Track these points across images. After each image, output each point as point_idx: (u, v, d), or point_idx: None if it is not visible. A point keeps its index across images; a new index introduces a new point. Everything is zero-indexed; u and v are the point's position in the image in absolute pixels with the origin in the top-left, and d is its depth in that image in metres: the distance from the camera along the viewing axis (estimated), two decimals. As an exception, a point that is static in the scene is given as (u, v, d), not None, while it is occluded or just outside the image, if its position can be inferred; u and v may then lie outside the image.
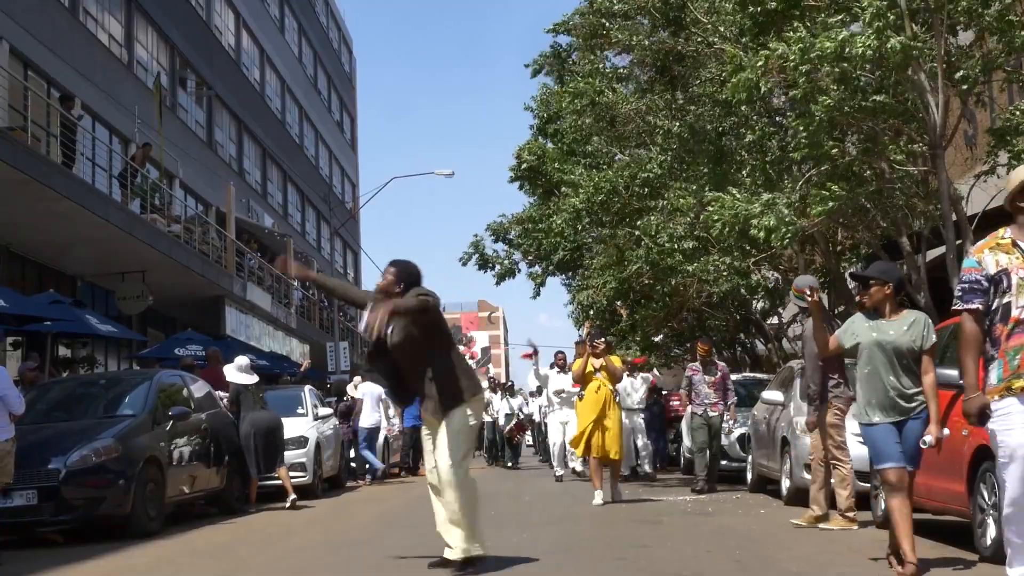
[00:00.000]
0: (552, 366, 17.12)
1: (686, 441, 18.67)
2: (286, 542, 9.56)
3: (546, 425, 21.84)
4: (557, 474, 17.24)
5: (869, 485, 9.26)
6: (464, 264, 23.93)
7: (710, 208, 13.19)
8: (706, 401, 14.11)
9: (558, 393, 16.49)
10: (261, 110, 36.99)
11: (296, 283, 34.47)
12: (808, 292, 7.52)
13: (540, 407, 23.45)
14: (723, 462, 15.75)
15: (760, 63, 11.78)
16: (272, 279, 31.12)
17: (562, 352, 17.77)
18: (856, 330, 6.94)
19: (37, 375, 14.25)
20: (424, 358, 7.00)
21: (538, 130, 24.12)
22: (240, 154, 34.42)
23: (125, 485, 10.14)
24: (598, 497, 12.06)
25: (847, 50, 11.04)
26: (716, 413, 14.12)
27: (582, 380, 12.48)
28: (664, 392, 22.71)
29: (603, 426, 12.12)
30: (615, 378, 12.53)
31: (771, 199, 12.84)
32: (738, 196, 13.03)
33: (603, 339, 12.70)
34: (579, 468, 17.21)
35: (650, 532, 9.20)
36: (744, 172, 14.78)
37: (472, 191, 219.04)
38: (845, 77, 11.65)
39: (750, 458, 13.92)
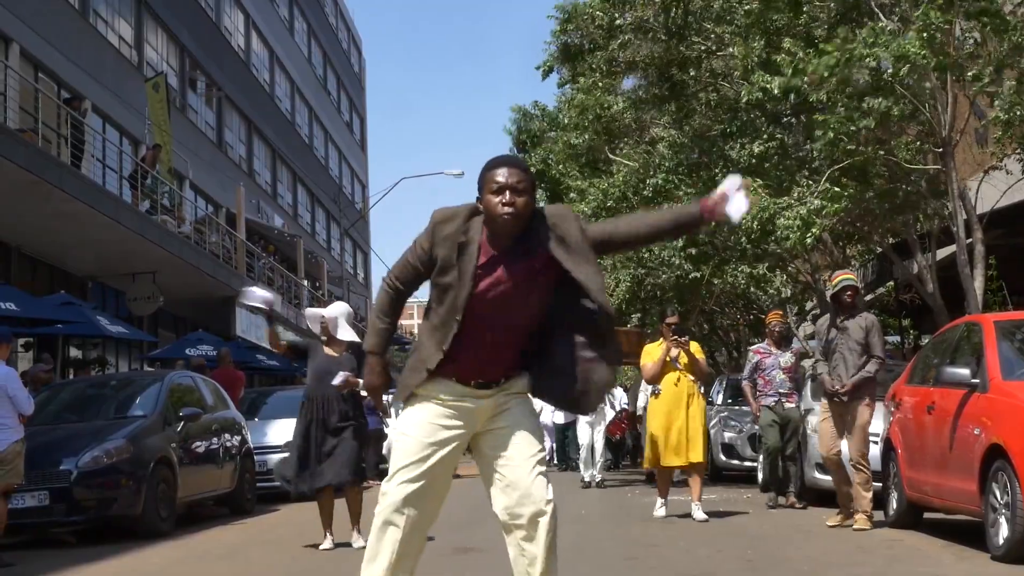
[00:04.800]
0: None
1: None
2: (297, 543, 9.55)
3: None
4: (585, 479, 15.19)
5: (881, 485, 9.23)
6: None
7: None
8: (780, 390, 11.28)
9: None
10: (271, 111, 37.04)
11: (306, 283, 34.51)
12: None
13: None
14: (732, 461, 15.60)
15: (811, 67, 11.73)
16: (282, 280, 31.17)
17: None
18: None
19: (50, 376, 14.31)
20: None
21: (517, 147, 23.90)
22: (250, 155, 34.48)
23: (136, 486, 10.16)
24: (660, 508, 10.17)
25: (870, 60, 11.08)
26: (792, 405, 11.35)
27: (659, 376, 10.15)
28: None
29: (683, 425, 9.93)
30: (701, 371, 10.23)
31: (801, 192, 12.82)
32: (757, 187, 12.99)
33: (676, 317, 10.38)
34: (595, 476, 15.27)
35: (661, 531, 9.19)
36: (753, 174, 14.74)
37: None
38: (860, 90, 11.67)
39: (761, 458, 13.87)
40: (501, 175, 3.99)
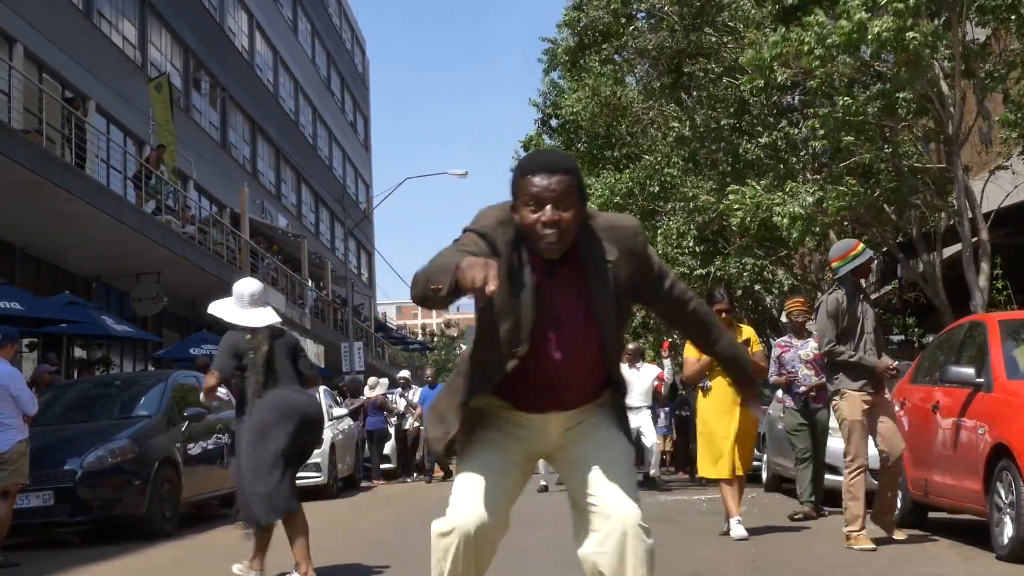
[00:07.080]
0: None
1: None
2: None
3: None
4: (541, 484, 14.50)
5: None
6: None
7: (730, 197, 13.13)
8: (805, 385, 9.89)
9: None
10: (275, 111, 37.07)
11: (310, 283, 34.52)
12: None
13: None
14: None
15: (775, 47, 11.76)
16: (286, 280, 31.19)
17: None
18: None
19: (55, 377, 14.34)
20: None
21: (542, 123, 23.68)
22: (254, 155, 34.52)
23: (141, 486, 10.19)
24: (738, 529, 8.41)
25: (866, 33, 11.01)
26: (819, 405, 9.84)
27: (705, 373, 8.45)
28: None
29: (729, 433, 8.47)
30: (758, 369, 8.40)
31: (793, 187, 12.84)
32: (758, 187, 13.02)
33: (728, 298, 8.58)
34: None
35: (665, 531, 9.16)
36: (759, 169, 14.77)
37: (485, 191, 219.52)
38: (862, 66, 11.63)
39: (765, 457, 13.84)
40: (538, 182, 2.97)
